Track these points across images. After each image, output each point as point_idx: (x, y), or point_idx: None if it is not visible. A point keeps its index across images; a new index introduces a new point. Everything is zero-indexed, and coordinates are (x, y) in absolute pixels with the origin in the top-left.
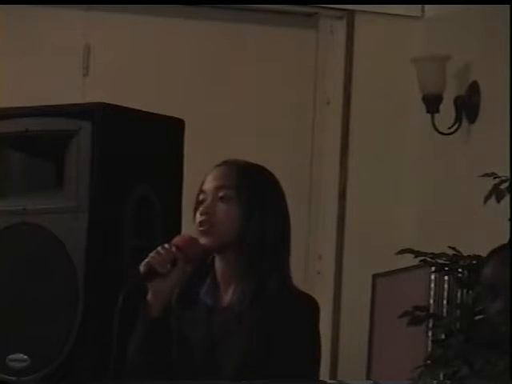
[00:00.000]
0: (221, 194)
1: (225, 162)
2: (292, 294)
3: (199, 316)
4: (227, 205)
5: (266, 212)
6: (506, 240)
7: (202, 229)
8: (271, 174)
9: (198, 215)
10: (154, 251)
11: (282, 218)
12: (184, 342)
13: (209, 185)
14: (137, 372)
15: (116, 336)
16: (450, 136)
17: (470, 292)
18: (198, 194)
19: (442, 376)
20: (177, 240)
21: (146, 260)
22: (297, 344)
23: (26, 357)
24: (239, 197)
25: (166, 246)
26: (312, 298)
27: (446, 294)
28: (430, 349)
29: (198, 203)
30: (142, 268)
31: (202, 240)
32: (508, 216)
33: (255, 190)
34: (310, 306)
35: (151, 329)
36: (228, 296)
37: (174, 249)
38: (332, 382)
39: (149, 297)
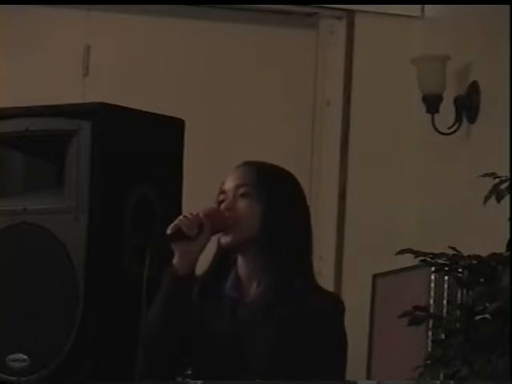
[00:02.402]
0: (241, 191)
1: (245, 163)
2: (317, 291)
3: (224, 309)
4: (248, 201)
5: (286, 209)
6: (505, 240)
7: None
8: (290, 173)
9: None
10: (182, 215)
11: (302, 217)
12: (207, 335)
13: (229, 185)
14: (155, 342)
15: (144, 301)
16: (450, 136)
17: (470, 292)
18: (218, 195)
19: (442, 376)
20: (203, 209)
21: (174, 222)
22: (323, 342)
23: (25, 357)
24: (259, 193)
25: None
26: (338, 297)
27: (445, 294)
28: (429, 349)
29: (218, 204)
30: (169, 230)
31: (225, 238)
32: (508, 216)
33: (275, 187)
34: (335, 304)
35: (175, 289)
36: (252, 291)
37: (202, 215)
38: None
39: (175, 259)
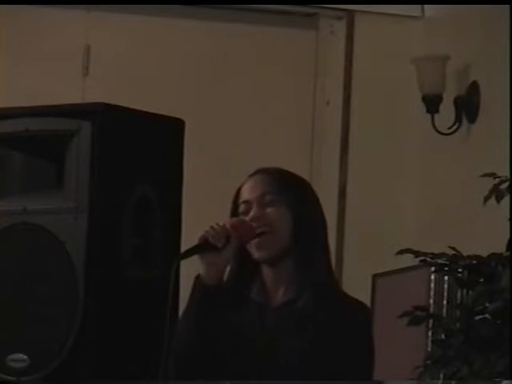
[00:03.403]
0: (267, 199)
1: (258, 171)
2: (344, 297)
3: (252, 315)
4: (276, 208)
5: (314, 214)
6: (505, 240)
7: (255, 242)
8: (303, 178)
9: None
10: (210, 226)
11: (324, 220)
12: (235, 341)
13: (251, 194)
14: (188, 354)
15: (170, 312)
16: (450, 136)
17: (470, 292)
18: (237, 206)
19: (442, 376)
20: (229, 220)
21: (202, 234)
22: (352, 348)
23: (25, 357)
24: (286, 200)
25: (220, 223)
26: (364, 304)
27: (445, 294)
28: (429, 349)
29: (235, 215)
30: (198, 240)
31: (259, 253)
32: (508, 216)
33: (298, 193)
34: (364, 310)
35: (204, 300)
36: (280, 296)
37: (229, 226)
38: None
39: (202, 271)
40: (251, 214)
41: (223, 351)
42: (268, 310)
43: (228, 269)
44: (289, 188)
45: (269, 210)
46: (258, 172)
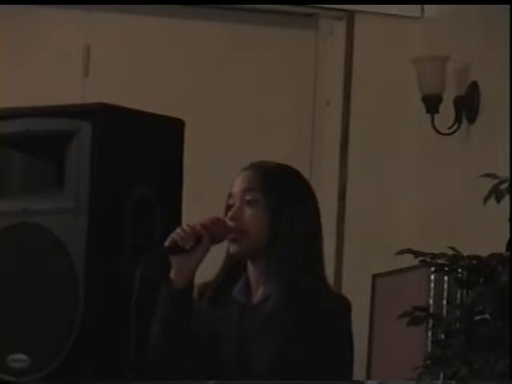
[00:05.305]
0: (248, 197)
1: (251, 165)
2: (324, 293)
3: (231, 314)
4: (255, 209)
5: (296, 213)
6: (505, 240)
7: (231, 235)
8: (299, 173)
9: (227, 220)
10: (179, 227)
11: (312, 218)
12: (215, 340)
13: (236, 188)
14: (160, 356)
15: (135, 314)
16: (450, 136)
17: (470, 292)
18: (228, 199)
19: (442, 376)
20: (204, 219)
21: (171, 235)
22: (330, 344)
23: (25, 357)
24: (266, 199)
25: (192, 224)
26: (345, 298)
27: (445, 294)
28: (429, 349)
29: (228, 208)
30: (166, 243)
31: (233, 246)
32: (508, 216)
33: (282, 190)
34: (342, 306)
35: (173, 302)
36: (259, 295)
37: (199, 226)
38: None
39: (172, 272)
40: (230, 212)
41: (199, 352)
42: (248, 308)
43: (219, 267)
44: (273, 186)
45: (247, 209)
46: (250, 166)
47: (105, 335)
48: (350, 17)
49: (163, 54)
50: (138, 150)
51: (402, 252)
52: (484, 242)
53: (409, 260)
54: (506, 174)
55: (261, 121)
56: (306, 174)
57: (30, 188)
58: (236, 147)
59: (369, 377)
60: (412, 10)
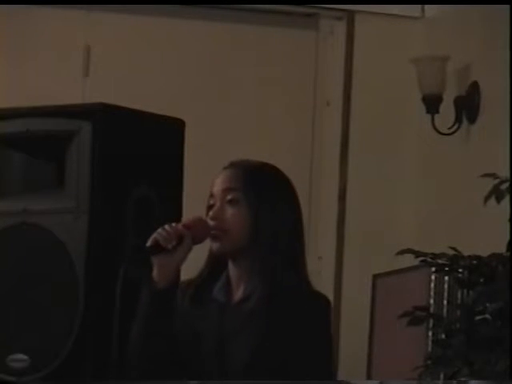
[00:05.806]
0: (229, 197)
1: (232, 164)
2: (304, 292)
3: (210, 313)
4: (236, 208)
5: (276, 211)
6: (505, 240)
7: (213, 233)
8: (279, 171)
9: (208, 220)
10: (161, 227)
11: (294, 217)
12: (194, 339)
13: (217, 188)
14: (140, 356)
15: (118, 313)
16: (450, 136)
17: (470, 292)
18: (209, 198)
19: (442, 376)
20: (186, 219)
21: (153, 235)
22: (308, 342)
23: (26, 357)
24: (247, 199)
25: (174, 224)
26: (324, 297)
27: (446, 294)
28: (430, 349)
29: (209, 207)
30: (148, 243)
31: (214, 245)
32: (508, 216)
33: (263, 190)
34: (322, 305)
35: (155, 302)
36: (240, 293)
37: (180, 227)
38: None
39: (154, 272)
40: (211, 212)
41: (180, 352)
42: (227, 307)
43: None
44: (254, 185)
45: (228, 208)
46: (230, 165)
47: (105, 335)
48: (350, 17)
49: (163, 54)
50: (139, 150)
51: (402, 252)
52: (484, 242)
53: (409, 260)
54: (506, 173)
55: (261, 121)
56: (305, 174)
57: (30, 188)
58: (236, 147)
59: (369, 377)
60: (412, 10)
